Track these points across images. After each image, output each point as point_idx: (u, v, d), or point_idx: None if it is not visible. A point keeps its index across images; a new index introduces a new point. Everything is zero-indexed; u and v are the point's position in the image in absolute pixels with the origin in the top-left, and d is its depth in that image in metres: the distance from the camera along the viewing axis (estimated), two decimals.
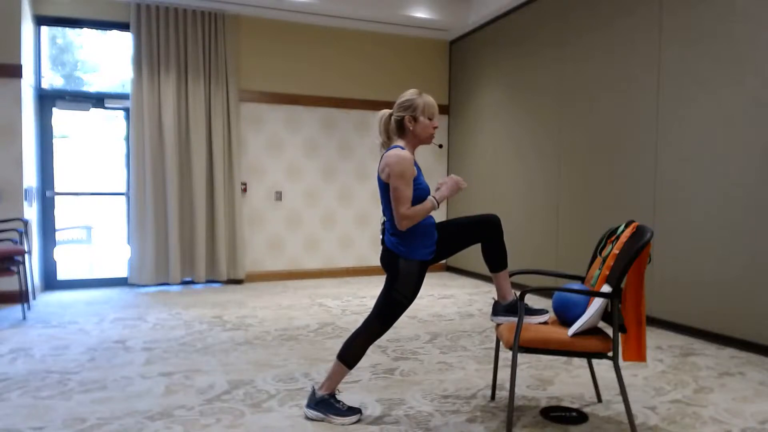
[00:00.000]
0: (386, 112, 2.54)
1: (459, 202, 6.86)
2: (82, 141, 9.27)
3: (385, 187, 2.45)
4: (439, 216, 6.64)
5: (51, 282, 5.72)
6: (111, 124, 8.55)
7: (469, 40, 6.64)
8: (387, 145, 2.53)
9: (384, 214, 2.54)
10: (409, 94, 2.50)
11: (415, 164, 2.44)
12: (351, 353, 2.48)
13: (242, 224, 6.10)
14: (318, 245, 6.58)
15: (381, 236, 2.56)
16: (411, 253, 2.43)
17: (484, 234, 2.45)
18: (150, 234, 5.72)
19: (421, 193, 2.42)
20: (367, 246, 6.79)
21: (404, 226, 2.38)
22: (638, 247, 2.16)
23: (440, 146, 2.73)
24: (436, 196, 2.44)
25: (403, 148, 2.43)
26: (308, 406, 2.50)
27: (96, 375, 3.06)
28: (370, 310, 2.69)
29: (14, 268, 4.38)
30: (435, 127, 2.50)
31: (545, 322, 2.43)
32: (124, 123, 5.95)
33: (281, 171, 6.37)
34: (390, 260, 2.48)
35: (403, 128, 2.48)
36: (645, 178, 4.26)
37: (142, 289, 5.74)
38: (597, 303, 2.23)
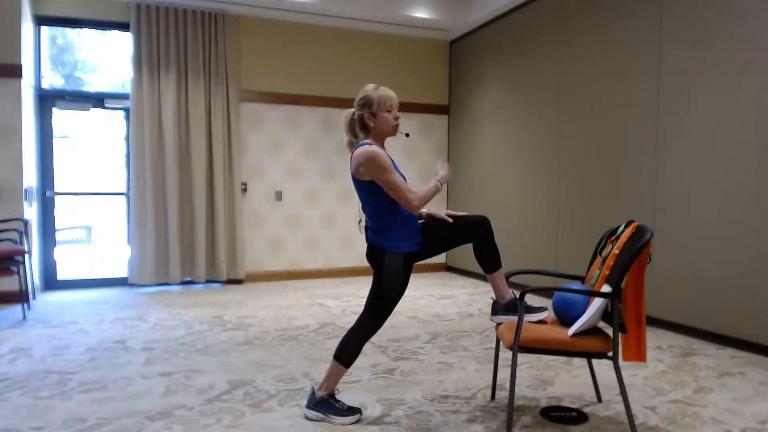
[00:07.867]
0: (351, 111, 2.55)
1: (459, 202, 6.86)
2: (82, 141, 9.27)
3: (361, 186, 2.46)
4: None
5: (51, 282, 5.72)
6: (111, 124, 8.55)
7: (469, 40, 6.64)
8: (354, 144, 2.53)
9: (363, 212, 2.55)
10: (365, 90, 2.49)
11: (389, 158, 2.45)
12: (346, 352, 2.48)
13: (242, 224, 6.10)
14: (318, 245, 6.58)
15: (364, 234, 2.57)
16: (395, 247, 2.45)
17: (473, 235, 2.46)
18: (150, 234, 5.72)
19: None
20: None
21: (418, 209, 2.42)
22: (638, 247, 2.16)
23: (407, 135, 2.71)
24: (438, 179, 2.48)
25: (370, 144, 2.43)
26: (308, 406, 2.50)
27: (96, 375, 3.06)
28: None
29: (14, 268, 4.38)
30: (396, 118, 2.49)
31: (544, 320, 2.43)
32: (124, 123, 5.95)
33: (281, 171, 6.37)
34: (375, 256, 2.50)
35: (365, 125, 2.49)
36: (645, 178, 4.26)
37: (142, 289, 5.74)
38: (597, 303, 2.23)
